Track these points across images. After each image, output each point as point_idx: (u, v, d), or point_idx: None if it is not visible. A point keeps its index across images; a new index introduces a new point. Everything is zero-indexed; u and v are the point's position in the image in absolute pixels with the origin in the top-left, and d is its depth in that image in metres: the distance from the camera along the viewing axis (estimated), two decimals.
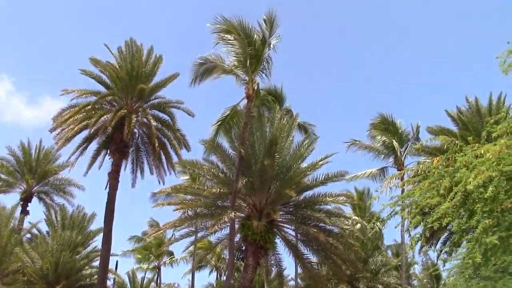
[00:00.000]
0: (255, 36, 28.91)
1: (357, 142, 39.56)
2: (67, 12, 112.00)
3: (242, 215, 29.79)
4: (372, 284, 42.50)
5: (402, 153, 37.90)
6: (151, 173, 38.49)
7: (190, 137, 38.10)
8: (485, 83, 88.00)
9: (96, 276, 38.81)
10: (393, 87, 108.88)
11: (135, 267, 59.92)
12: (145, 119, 36.53)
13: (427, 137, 35.77)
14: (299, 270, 33.55)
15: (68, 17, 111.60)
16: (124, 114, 34.74)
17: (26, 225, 45.50)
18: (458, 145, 14.79)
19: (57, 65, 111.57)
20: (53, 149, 45.95)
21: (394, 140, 37.47)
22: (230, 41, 29.05)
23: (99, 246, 38.88)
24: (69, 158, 37.12)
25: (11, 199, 66.69)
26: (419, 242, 15.61)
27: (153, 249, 57.01)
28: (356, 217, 39.04)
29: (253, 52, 28.70)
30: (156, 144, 35.18)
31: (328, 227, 29.95)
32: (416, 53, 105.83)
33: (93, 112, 35.35)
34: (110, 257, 36.86)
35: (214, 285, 56.26)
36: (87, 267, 45.15)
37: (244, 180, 28.67)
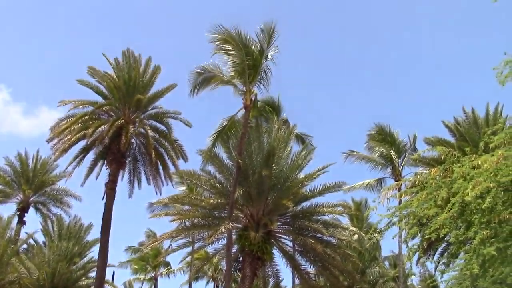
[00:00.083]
0: (253, 47, 28.93)
1: (355, 152, 39.58)
2: (64, 23, 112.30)
3: (240, 225, 29.72)
4: None
5: (400, 164, 37.91)
6: (148, 183, 38.50)
7: (188, 147, 38.14)
8: (481, 94, 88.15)
9: (93, 287, 38.62)
10: (390, 98, 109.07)
11: (132, 278, 59.84)
12: (142, 130, 36.55)
13: (424, 148, 36.05)
14: (297, 281, 33.46)
15: (66, 27, 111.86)
16: (121, 125, 34.77)
17: (22, 235, 45.38)
18: (456, 156, 14.79)
19: (54, 76, 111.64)
20: (50, 159, 45.88)
21: (391, 151, 37.49)
22: (228, 51, 29.07)
23: (96, 257, 38.77)
24: (66, 169, 37.18)
25: (8, 209, 66.53)
26: (417, 253, 15.55)
27: (150, 259, 56.85)
28: (353, 228, 39.01)
29: (251, 63, 28.71)
30: (153, 155, 35.17)
31: (326, 238, 29.89)
32: (413, 63, 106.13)
33: (91, 122, 35.36)
34: (107, 268, 36.79)
35: None
36: (83, 278, 45.04)
37: (242, 191, 28.64)
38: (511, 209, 12.52)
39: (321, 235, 29.63)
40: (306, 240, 29.09)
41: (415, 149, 38.40)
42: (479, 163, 13.14)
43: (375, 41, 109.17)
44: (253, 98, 29.49)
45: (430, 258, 32.49)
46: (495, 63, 13.76)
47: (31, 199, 47.98)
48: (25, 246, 45.98)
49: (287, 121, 37.00)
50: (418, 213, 14.01)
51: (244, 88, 29.32)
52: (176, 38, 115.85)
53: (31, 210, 48.14)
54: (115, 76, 36.52)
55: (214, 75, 29.98)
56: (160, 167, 37.88)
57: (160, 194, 38.22)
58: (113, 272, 48.57)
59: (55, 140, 35.67)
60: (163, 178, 38.15)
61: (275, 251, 30.72)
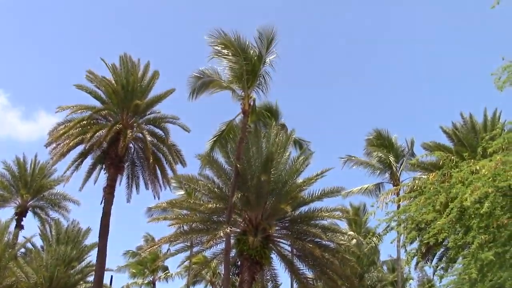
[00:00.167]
0: (252, 52, 28.96)
1: (353, 158, 39.66)
2: (62, 28, 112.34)
3: (238, 230, 29.71)
4: None
5: (398, 169, 37.98)
6: (147, 188, 38.48)
7: (186, 152, 38.15)
8: (479, 99, 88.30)
9: None
10: (388, 103, 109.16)
11: (130, 282, 59.71)
12: (140, 134, 36.56)
13: (422, 153, 36.12)
14: (295, 286, 33.43)
15: (64, 32, 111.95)
16: (120, 129, 34.80)
17: (20, 239, 45.35)
18: (454, 161, 14.84)
19: (52, 80, 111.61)
20: (48, 163, 45.93)
21: (390, 156, 37.55)
22: (226, 56, 29.11)
23: (94, 261, 38.73)
24: (64, 173, 37.17)
25: (6, 213, 66.63)
26: (415, 258, 15.60)
27: (148, 264, 56.78)
28: (352, 233, 39.06)
29: (250, 68, 28.74)
30: (151, 159, 35.21)
31: (324, 242, 29.87)
32: (411, 68, 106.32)
33: (89, 127, 35.35)
34: (105, 272, 36.70)
35: None
36: (81, 282, 45.07)
37: (240, 195, 28.64)
38: (509, 214, 12.56)
39: (320, 240, 29.61)
40: (305, 244, 29.10)
41: (413, 154, 38.50)
42: (478, 168, 13.18)
43: (374, 45, 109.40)
44: (252, 103, 29.51)
45: (428, 263, 32.53)
46: (493, 68, 13.82)
47: (29, 203, 47.94)
48: (23, 250, 46.00)
49: (285, 126, 37.10)
50: (416, 218, 14.05)
51: (243, 93, 29.36)
52: (175, 42, 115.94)
53: (29, 214, 48.19)
54: (113, 81, 36.52)
55: (213, 80, 30.01)
56: (158, 172, 37.88)
57: (158, 199, 38.27)
58: (111, 277, 48.51)
59: (53, 145, 35.63)
60: (161, 182, 38.17)
61: (273, 256, 30.73)
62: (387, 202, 22.55)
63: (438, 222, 13.02)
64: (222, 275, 36.66)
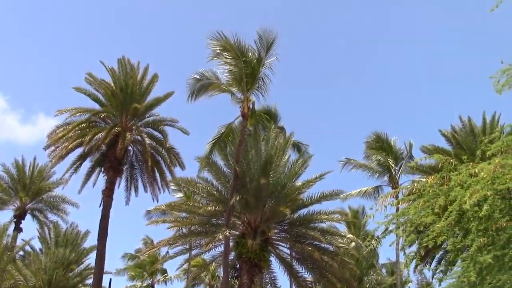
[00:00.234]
0: (251, 55, 28.97)
1: (352, 160, 39.68)
2: (61, 30, 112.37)
3: (237, 233, 29.68)
4: None
5: (397, 172, 37.99)
6: (145, 191, 38.52)
7: (185, 155, 38.22)
8: (479, 100, 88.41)
9: None
10: (387, 105, 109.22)
11: (129, 285, 59.65)
12: (139, 137, 36.56)
13: (420, 156, 36.16)
14: None
15: (63, 34, 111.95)
16: (118, 132, 34.81)
17: (19, 242, 45.23)
18: (453, 164, 14.85)
19: (51, 83, 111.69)
20: (47, 166, 45.84)
21: (389, 159, 37.57)
22: (226, 59, 29.13)
23: (93, 264, 38.72)
24: (63, 176, 37.22)
25: (5, 216, 66.30)
26: (414, 261, 15.60)
27: (147, 266, 56.74)
28: (351, 235, 39.02)
29: (249, 71, 28.75)
30: (149, 162, 35.23)
31: (323, 245, 29.86)
32: (410, 71, 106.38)
33: (88, 130, 35.34)
34: (104, 275, 36.67)
35: None
36: (80, 285, 44.98)
37: (239, 198, 28.61)
38: (508, 217, 12.57)
39: (319, 243, 29.60)
40: (304, 247, 29.07)
41: (411, 157, 38.55)
42: (476, 171, 13.21)
43: (373, 45, 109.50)
44: (251, 106, 29.52)
45: (427, 266, 32.57)
46: (493, 69, 13.85)
47: (28, 206, 47.89)
48: (21, 253, 45.89)
49: (284, 128, 37.11)
50: (415, 221, 14.06)
51: (242, 96, 29.37)
52: (175, 44, 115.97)
53: (28, 217, 48.11)
54: (112, 84, 36.54)
55: (212, 82, 30.02)
56: (157, 175, 37.90)
57: (157, 202, 38.28)
58: (110, 279, 48.35)
59: (52, 148, 35.61)
60: (160, 185, 38.18)
61: (272, 259, 30.68)
62: (386, 205, 22.55)
63: (437, 225, 13.04)
64: (221, 278, 36.67)
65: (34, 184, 48.01)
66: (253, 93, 29.79)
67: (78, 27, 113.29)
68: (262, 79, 29.73)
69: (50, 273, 40.27)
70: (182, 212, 31.49)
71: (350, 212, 45.20)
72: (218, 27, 31.64)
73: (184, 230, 31.13)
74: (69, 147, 34.84)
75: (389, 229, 15.11)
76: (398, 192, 24.66)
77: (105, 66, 36.77)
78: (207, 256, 34.21)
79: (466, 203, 12.02)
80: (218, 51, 28.99)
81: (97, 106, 36.77)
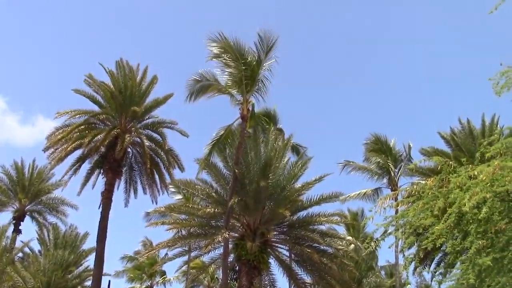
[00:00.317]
0: (251, 56, 28.96)
1: (351, 163, 39.70)
2: (60, 31, 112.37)
3: (236, 235, 29.67)
4: None
5: (396, 174, 38.00)
6: (144, 192, 38.50)
7: (185, 157, 38.18)
8: (479, 101, 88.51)
9: None
10: (386, 106, 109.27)
11: (128, 286, 59.61)
12: (138, 139, 36.54)
13: (420, 158, 36.18)
14: None
15: (62, 36, 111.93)
16: (118, 134, 34.79)
17: (18, 244, 45.22)
18: (452, 166, 14.85)
19: (51, 85, 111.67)
20: (46, 168, 45.86)
21: (388, 161, 37.59)
22: (225, 61, 29.13)
23: (92, 266, 38.72)
24: (62, 177, 37.18)
25: (4, 218, 66.20)
26: (413, 263, 15.58)
27: (146, 268, 56.69)
28: (350, 238, 39.01)
29: (249, 73, 28.74)
30: (148, 164, 35.24)
31: (322, 247, 29.86)
32: (409, 71, 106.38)
33: (87, 131, 35.35)
34: (103, 277, 36.65)
35: None
36: (79, 287, 44.85)
37: (238, 200, 28.59)
38: (507, 219, 12.58)
39: (318, 245, 29.61)
40: (303, 249, 29.04)
41: (410, 159, 38.58)
42: (476, 173, 13.21)
43: (373, 46, 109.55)
44: (250, 108, 29.52)
45: (426, 268, 32.53)
46: (491, 73, 13.86)
47: (27, 207, 47.90)
48: (20, 254, 45.87)
49: (282, 131, 37.09)
50: (414, 223, 14.06)
51: (241, 98, 29.37)
52: (175, 45, 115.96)
53: (27, 218, 48.16)
54: (111, 86, 36.54)
55: (211, 84, 30.00)
56: (156, 177, 37.90)
57: (156, 203, 38.29)
58: (109, 281, 48.31)
59: (51, 149, 35.62)
60: (159, 187, 38.18)
61: (271, 261, 30.68)
62: (385, 207, 22.55)
63: (436, 227, 13.04)
64: (220, 280, 36.63)
65: (33, 186, 48.03)
66: (252, 95, 29.79)
67: (78, 28, 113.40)
68: (262, 81, 29.74)
69: (49, 275, 40.24)
70: (181, 214, 31.46)
71: (349, 214, 45.19)
72: (218, 28, 31.64)
73: (184, 232, 31.16)
74: (68, 149, 34.83)
75: (388, 231, 15.12)
76: (398, 194, 24.68)
77: (104, 68, 36.84)
78: (206, 258, 34.25)
79: (465, 205, 12.02)
80: (218, 52, 29.00)
81: (96, 108, 36.81)
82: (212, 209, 29.31)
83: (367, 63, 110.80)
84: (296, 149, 37.62)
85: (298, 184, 30.22)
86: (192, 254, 35.09)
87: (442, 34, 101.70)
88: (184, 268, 45.90)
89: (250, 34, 29.32)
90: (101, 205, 35.49)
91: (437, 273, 18.43)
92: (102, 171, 36.77)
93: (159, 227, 32.18)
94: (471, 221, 12.77)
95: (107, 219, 35.30)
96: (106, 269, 38.66)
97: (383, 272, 51.29)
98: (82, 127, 35.47)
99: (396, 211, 21.04)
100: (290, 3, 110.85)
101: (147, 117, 37.84)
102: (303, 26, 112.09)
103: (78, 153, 36.04)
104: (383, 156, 38.14)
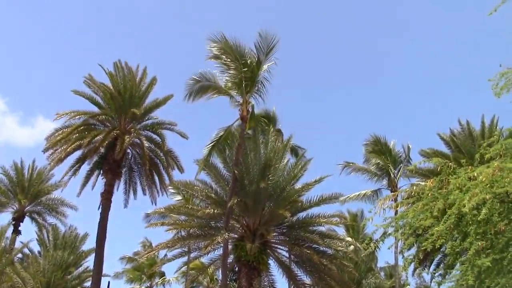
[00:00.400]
0: (251, 58, 28.98)
1: (351, 164, 39.72)
2: (60, 33, 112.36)
3: (236, 236, 29.67)
4: None
5: (396, 175, 38.02)
6: (144, 193, 38.52)
7: (184, 159, 38.22)
8: (477, 105, 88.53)
9: None
10: (386, 109, 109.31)
11: (127, 287, 59.61)
12: (137, 140, 36.55)
13: (419, 160, 36.24)
14: None
15: (61, 37, 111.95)
16: (117, 135, 34.81)
17: (17, 244, 45.20)
18: (452, 168, 14.85)
19: (50, 86, 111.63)
20: (46, 169, 45.86)
21: (388, 163, 37.62)
22: (225, 62, 29.15)
23: (91, 267, 38.74)
24: (62, 178, 37.17)
25: (3, 218, 66.29)
26: (413, 264, 15.58)
27: (145, 269, 56.69)
28: (349, 239, 39.03)
29: (248, 74, 28.76)
30: (147, 165, 35.27)
31: (322, 249, 29.85)
32: (408, 75, 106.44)
33: (86, 132, 35.36)
34: (102, 278, 36.65)
35: None
36: None
37: (237, 201, 28.59)
38: (507, 220, 12.58)
39: (317, 246, 29.60)
40: (303, 250, 29.05)
41: (409, 160, 38.63)
42: (475, 174, 13.22)
43: (371, 49, 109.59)
44: (250, 109, 29.54)
45: (426, 269, 32.57)
46: (491, 74, 13.87)
47: (26, 208, 47.87)
48: (20, 255, 45.86)
49: (281, 132, 37.08)
50: (414, 224, 14.06)
51: (241, 99, 29.39)
52: (174, 47, 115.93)
53: (27, 219, 48.10)
54: (111, 87, 36.55)
55: (211, 85, 30.03)
56: (156, 178, 37.93)
57: (155, 204, 38.33)
58: (108, 282, 48.35)
59: (51, 150, 35.63)
60: (158, 188, 38.21)
61: (271, 261, 30.67)
62: (384, 208, 22.59)
63: (436, 228, 13.04)
64: (219, 281, 36.61)
65: (33, 187, 48.01)
66: (252, 96, 29.81)
67: (78, 29, 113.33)
68: (262, 82, 29.77)
69: (49, 275, 40.23)
70: (181, 215, 31.48)
71: (349, 215, 45.28)
72: (218, 28, 31.68)
73: (183, 233, 31.17)
74: (68, 150, 34.84)
75: (387, 232, 15.12)
76: (397, 195, 24.68)
77: (104, 69, 36.85)
78: (205, 259, 34.27)
79: (465, 206, 12.03)
80: (218, 53, 29.03)
81: (96, 109, 36.81)
82: (212, 210, 29.32)
83: (366, 64, 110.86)
84: (294, 151, 37.62)
85: (298, 185, 30.23)
86: (192, 255, 35.03)
87: (442, 35, 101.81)
88: (183, 269, 45.88)
89: (250, 35, 29.43)
90: (101, 206, 35.50)
91: (437, 274, 18.41)
92: (101, 172, 36.79)
93: (158, 228, 32.21)
94: (470, 222, 12.77)
95: (107, 220, 35.31)
96: (105, 270, 38.73)
97: (382, 273, 51.34)
98: (81, 128, 35.49)
99: (396, 212, 21.04)
100: (290, 3, 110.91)
101: (146, 118, 37.86)
102: (302, 27, 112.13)
103: (77, 154, 36.12)
104: (383, 157, 38.18)
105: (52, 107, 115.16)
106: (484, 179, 12.54)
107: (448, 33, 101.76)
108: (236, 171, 27.80)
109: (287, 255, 31.32)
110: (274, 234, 29.75)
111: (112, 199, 36.01)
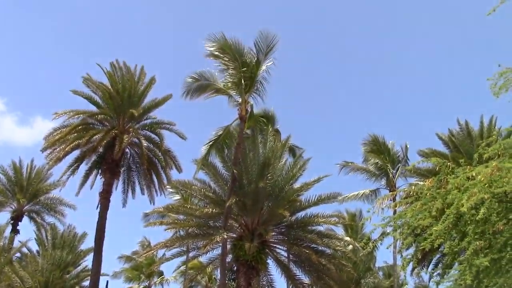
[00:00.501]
0: (250, 57, 28.98)
1: (349, 163, 39.71)
2: (58, 32, 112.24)
3: (234, 235, 29.67)
4: None
5: (394, 175, 38.04)
6: (142, 193, 38.55)
7: (183, 159, 38.24)
8: (475, 105, 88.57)
9: None
10: (384, 109, 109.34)
11: (126, 287, 59.61)
12: (136, 139, 36.55)
13: (417, 160, 36.29)
14: None
15: (59, 37, 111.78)
16: (116, 134, 34.81)
17: (16, 244, 45.20)
18: (450, 167, 14.84)
19: (49, 85, 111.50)
20: (44, 168, 45.85)
21: (386, 162, 37.64)
22: (224, 61, 29.14)
23: (90, 266, 38.77)
24: (60, 178, 37.28)
25: (2, 218, 66.34)
26: (411, 264, 15.58)
27: (143, 268, 56.67)
28: (348, 238, 39.04)
29: (248, 74, 28.75)
30: (146, 165, 35.30)
31: (320, 248, 29.86)
32: (407, 73, 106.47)
33: (85, 132, 35.35)
34: (101, 277, 36.66)
35: None
36: (77, 287, 44.83)
37: (236, 200, 28.59)
38: (505, 220, 12.58)
39: (316, 245, 29.62)
40: (301, 250, 29.06)
41: (407, 160, 38.66)
42: (474, 174, 13.20)
43: (371, 49, 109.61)
44: (249, 109, 29.53)
45: (424, 269, 32.59)
46: (490, 74, 13.87)
47: (25, 207, 47.85)
48: (18, 254, 45.83)
49: (279, 131, 37.07)
50: (412, 224, 14.04)
51: (240, 98, 29.37)
52: (174, 47, 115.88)
53: (25, 219, 48.07)
54: (110, 86, 36.53)
55: (210, 84, 30.02)
56: (154, 177, 37.93)
57: (154, 204, 38.39)
58: (107, 281, 48.34)
59: (49, 150, 35.62)
60: (157, 187, 38.23)
61: (269, 261, 30.66)
62: (383, 207, 22.62)
63: (434, 228, 13.02)
64: (218, 280, 36.60)
65: (31, 186, 47.98)
66: (251, 96, 29.81)
67: (77, 29, 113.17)
68: (260, 82, 29.75)
69: (47, 275, 40.26)
70: (179, 214, 31.47)
71: (347, 215, 45.27)
72: (217, 29, 31.69)
73: (182, 232, 31.15)
74: (66, 149, 34.83)
75: (386, 232, 15.11)
76: (396, 195, 24.70)
77: (102, 69, 36.83)
78: (204, 259, 34.25)
79: (463, 206, 12.01)
80: (217, 53, 29.01)
81: (94, 109, 36.80)
82: (210, 210, 29.32)
83: (365, 63, 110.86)
84: (292, 151, 37.62)
85: (296, 185, 30.25)
86: (190, 254, 35.00)
87: (440, 34, 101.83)
88: (182, 268, 45.85)
89: (250, 35, 29.37)
90: (99, 205, 35.50)
91: (435, 273, 18.43)
92: (100, 172, 36.80)
93: (157, 228, 32.28)
94: (469, 222, 12.75)
95: (105, 219, 35.31)
96: (104, 269, 38.76)
97: (381, 273, 51.34)
98: (80, 127, 35.51)
99: (394, 212, 21.08)
100: (290, 3, 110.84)
101: (145, 118, 37.86)
102: (301, 26, 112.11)
103: (76, 153, 36.18)
104: (382, 157, 38.20)
105: (51, 107, 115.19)
106: (482, 179, 12.53)
107: (447, 32, 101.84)
108: (235, 171, 27.79)
109: (285, 254, 31.36)
110: (273, 233, 29.79)
111: (110, 199, 36.08)
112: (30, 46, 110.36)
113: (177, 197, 40.07)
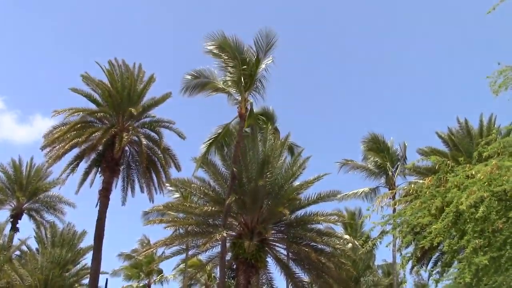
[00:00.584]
0: (250, 55, 28.96)
1: (349, 162, 39.72)
2: (58, 31, 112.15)
3: (234, 233, 29.68)
4: None
5: (394, 173, 38.05)
6: (142, 191, 38.53)
7: (182, 157, 38.25)
8: (475, 104, 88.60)
9: None
10: (384, 107, 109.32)
11: (125, 285, 59.60)
12: (136, 138, 36.52)
13: (417, 158, 36.29)
14: None
15: (59, 35, 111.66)
16: (115, 132, 34.80)
17: (15, 242, 45.18)
18: (450, 166, 14.84)
19: (48, 84, 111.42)
20: (44, 166, 45.79)
21: (386, 161, 37.65)
22: (224, 59, 29.12)
23: (89, 264, 38.68)
24: (60, 176, 37.22)
25: (1, 216, 66.53)
26: (410, 262, 15.59)
27: (143, 266, 56.70)
28: (347, 237, 39.05)
29: (247, 72, 28.74)
30: (145, 163, 35.30)
31: (320, 246, 29.88)
32: (406, 73, 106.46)
33: (84, 130, 35.32)
34: (100, 275, 36.65)
35: None
36: (76, 285, 44.93)
37: (236, 198, 28.59)
38: (504, 218, 12.58)
39: (316, 244, 29.64)
40: (301, 248, 29.08)
41: (405, 159, 38.69)
42: (473, 172, 13.21)
43: (370, 49, 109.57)
44: (249, 107, 29.52)
45: (424, 267, 32.59)
46: (489, 72, 13.88)
47: (24, 206, 47.85)
48: (18, 252, 45.80)
49: (278, 130, 37.04)
50: (412, 222, 14.06)
51: (239, 96, 29.36)
52: (174, 46, 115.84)
53: (25, 217, 48.09)
54: (109, 84, 36.50)
55: (209, 82, 30.02)
56: (154, 175, 37.93)
57: (153, 202, 38.34)
58: (106, 280, 48.33)
59: (49, 148, 35.59)
60: (156, 186, 38.21)
61: (269, 259, 30.69)
62: (382, 205, 22.59)
63: (433, 226, 13.04)
64: (217, 278, 36.60)
65: (31, 184, 47.99)
66: (250, 94, 29.80)
67: (76, 28, 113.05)
68: (260, 80, 29.75)
69: (47, 273, 40.21)
70: (179, 212, 31.50)
71: (347, 213, 45.28)
72: (217, 27, 31.67)
73: (181, 231, 31.12)
74: (66, 147, 34.80)
75: (385, 230, 15.12)
76: (395, 193, 24.71)
77: (101, 67, 36.74)
78: (203, 257, 34.25)
79: (462, 204, 12.03)
80: (216, 51, 28.99)
81: (94, 107, 36.75)
82: (210, 208, 29.32)
83: (365, 62, 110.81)
84: (291, 149, 37.61)
85: (296, 183, 30.25)
86: (190, 252, 35.01)
87: (440, 33, 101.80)
88: (181, 266, 45.88)
89: (250, 35, 29.34)
90: (99, 203, 35.47)
91: (434, 272, 18.48)
92: (99, 170, 36.76)
93: (156, 226, 32.25)
94: (468, 220, 12.76)
95: (105, 218, 35.29)
96: (103, 267, 38.69)
97: (380, 271, 51.38)
98: (79, 125, 35.47)
99: (394, 210, 21.08)
100: (289, 3, 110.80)
101: (144, 116, 37.83)
102: (301, 25, 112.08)
103: (75, 151, 36.08)
104: (381, 155, 38.23)
105: (50, 105, 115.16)
106: (482, 177, 12.54)
107: (447, 32, 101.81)
108: (234, 169, 27.80)
109: (285, 253, 31.34)
110: (272, 232, 29.75)
111: (110, 197, 36.02)
112: (29, 45, 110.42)
113: (177, 195, 40.09)
